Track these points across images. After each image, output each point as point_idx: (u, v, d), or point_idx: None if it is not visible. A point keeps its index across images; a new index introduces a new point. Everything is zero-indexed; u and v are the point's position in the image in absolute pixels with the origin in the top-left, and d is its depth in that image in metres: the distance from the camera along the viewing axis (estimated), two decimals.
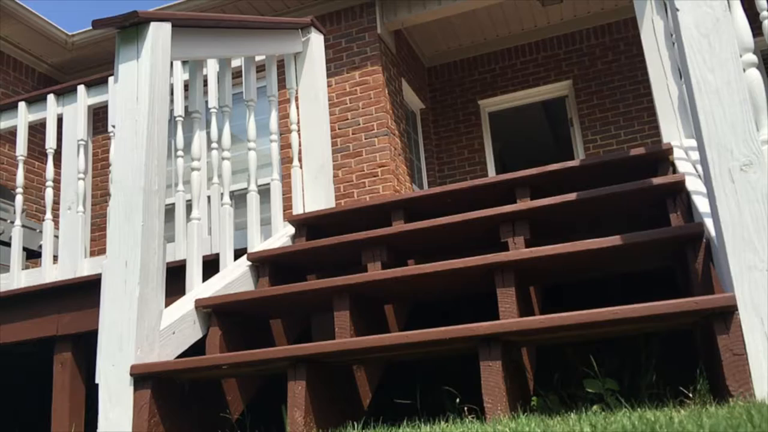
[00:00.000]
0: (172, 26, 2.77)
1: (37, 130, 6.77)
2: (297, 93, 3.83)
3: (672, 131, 3.17)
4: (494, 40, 7.96)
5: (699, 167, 2.59)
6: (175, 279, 2.84)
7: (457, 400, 2.16)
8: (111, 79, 3.55)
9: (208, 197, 3.41)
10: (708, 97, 1.88)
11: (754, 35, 2.30)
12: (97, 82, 3.68)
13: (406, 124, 7.24)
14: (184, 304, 2.70)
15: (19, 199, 3.65)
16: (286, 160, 6.20)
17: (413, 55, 7.83)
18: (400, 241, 2.95)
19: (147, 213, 2.51)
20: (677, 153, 2.93)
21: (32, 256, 4.46)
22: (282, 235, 3.41)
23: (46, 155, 3.69)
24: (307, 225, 3.42)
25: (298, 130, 3.77)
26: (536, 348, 2.51)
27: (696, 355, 2.20)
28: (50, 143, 3.66)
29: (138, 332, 2.37)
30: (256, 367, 2.34)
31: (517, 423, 1.63)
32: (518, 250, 2.39)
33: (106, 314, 2.42)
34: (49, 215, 3.57)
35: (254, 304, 2.72)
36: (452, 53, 8.12)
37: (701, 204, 2.33)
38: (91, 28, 4.52)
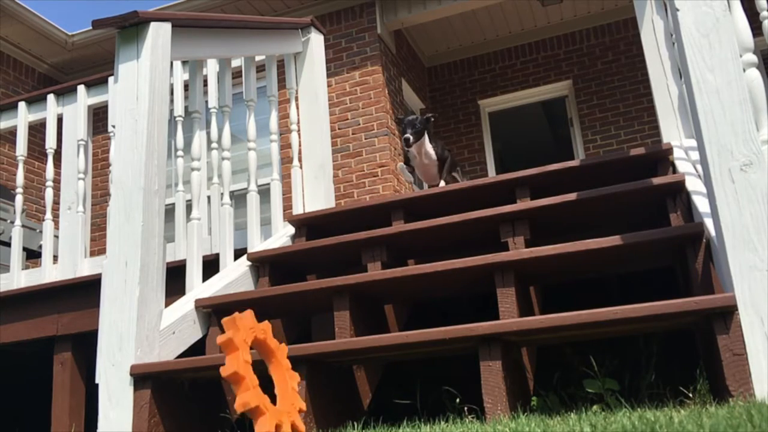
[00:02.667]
0: (172, 26, 2.77)
1: (37, 130, 6.75)
2: (297, 93, 3.83)
3: (672, 131, 3.17)
4: (494, 40, 7.96)
5: (699, 167, 2.59)
6: (175, 279, 2.84)
7: (457, 400, 2.16)
8: (111, 79, 3.55)
9: (208, 197, 3.41)
10: (708, 97, 1.88)
11: (754, 35, 2.30)
12: (97, 82, 3.68)
13: None
14: (184, 304, 2.70)
15: (19, 199, 3.65)
16: (286, 160, 6.19)
17: (413, 55, 7.83)
18: (400, 241, 2.94)
19: (147, 213, 2.51)
20: (677, 153, 2.92)
21: (32, 256, 4.46)
22: (282, 235, 3.41)
23: (46, 155, 3.69)
24: (307, 225, 3.42)
25: (298, 130, 3.77)
26: (536, 348, 2.51)
27: (696, 355, 2.20)
28: (50, 143, 3.66)
29: (138, 332, 2.37)
30: (255, 368, 2.34)
31: (517, 423, 1.63)
32: (518, 250, 2.39)
33: (106, 314, 2.42)
34: (49, 215, 3.57)
35: (254, 304, 2.72)
36: (452, 53, 8.12)
37: (701, 204, 2.32)
38: (91, 28, 4.52)
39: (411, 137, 3.84)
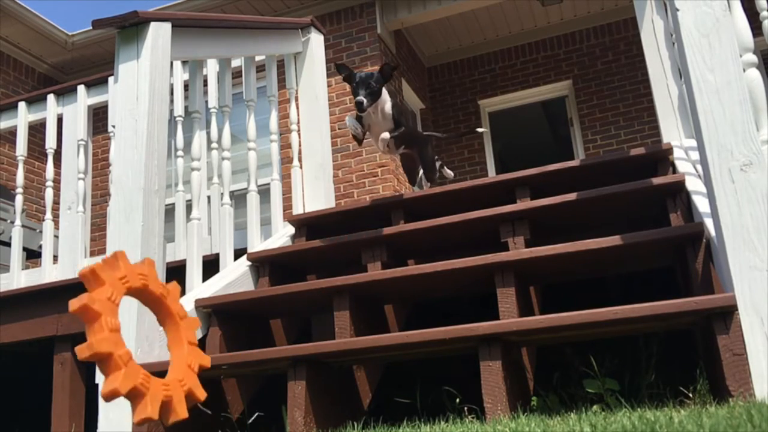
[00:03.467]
0: (172, 26, 2.77)
1: (37, 130, 6.74)
2: (297, 93, 3.83)
3: (672, 131, 3.17)
4: (494, 40, 7.95)
5: (699, 167, 2.59)
6: (175, 279, 2.83)
7: (457, 400, 2.16)
8: (111, 79, 3.55)
9: (208, 197, 3.42)
10: (708, 97, 1.88)
11: (754, 35, 2.30)
12: (97, 82, 3.68)
13: None
14: (184, 304, 2.69)
15: (19, 199, 3.65)
16: (286, 160, 6.19)
17: (413, 55, 7.83)
18: (400, 241, 2.94)
19: (147, 213, 2.51)
20: (677, 153, 2.92)
21: (32, 256, 4.46)
22: (282, 235, 3.41)
23: (46, 155, 3.69)
24: (307, 225, 3.42)
25: (298, 130, 3.77)
26: (536, 348, 2.51)
27: (696, 355, 2.20)
28: (50, 143, 3.65)
29: (138, 332, 2.37)
30: (255, 367, 2.34)
31: (517, 423, 1.63)
32: (518, 250, 2.39)
33: None
34: (49, 215, 3.57)
35: (254, 304, 2.72)
36: (452, 53, 8.12)
37: (701, 204, 2.32)
38: (91, 28, 4.52)
39: (365, 101, 2.88)
